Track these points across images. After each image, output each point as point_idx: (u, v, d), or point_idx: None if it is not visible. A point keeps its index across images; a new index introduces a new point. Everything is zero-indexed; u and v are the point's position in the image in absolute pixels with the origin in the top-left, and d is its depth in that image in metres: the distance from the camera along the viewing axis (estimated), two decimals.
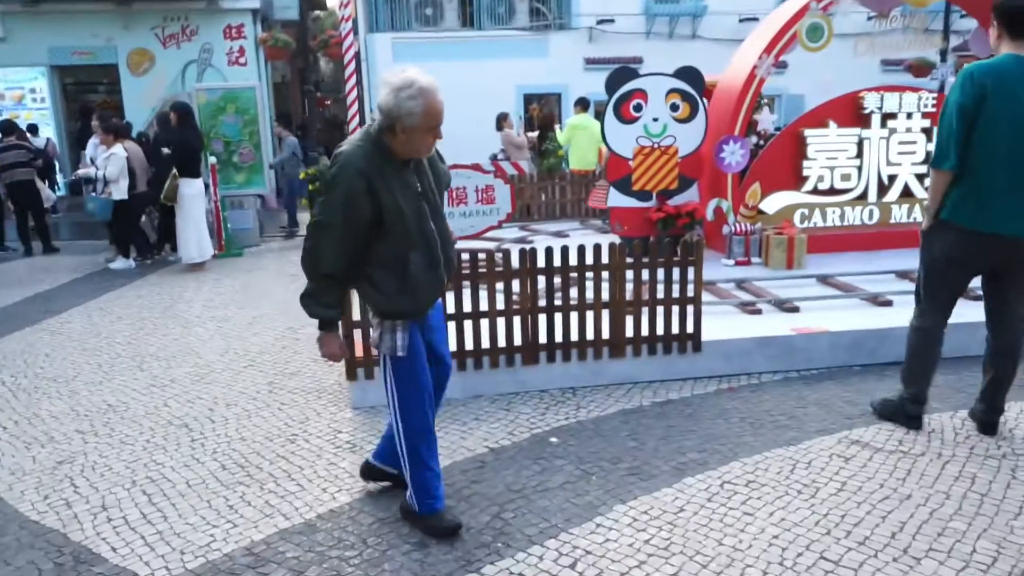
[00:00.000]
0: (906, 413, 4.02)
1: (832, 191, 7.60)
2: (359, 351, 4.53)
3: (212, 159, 10.38)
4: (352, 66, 6.90)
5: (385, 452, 3.44)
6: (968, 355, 4.62)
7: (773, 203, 7.49)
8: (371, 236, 2.84)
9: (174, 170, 8.95)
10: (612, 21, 17.62)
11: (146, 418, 4.59)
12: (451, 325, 4.56)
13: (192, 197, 9.03)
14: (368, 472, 3.56)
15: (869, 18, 8.25)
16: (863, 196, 7.62)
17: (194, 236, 9.12)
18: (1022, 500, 3.28)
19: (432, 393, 3.14)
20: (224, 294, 7.90)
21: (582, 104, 11.66)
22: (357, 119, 6.91)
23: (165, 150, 9.43)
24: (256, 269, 9.17)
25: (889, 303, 5.48)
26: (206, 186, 9.71)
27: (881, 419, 4.13)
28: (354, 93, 6.86)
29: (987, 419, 3.94)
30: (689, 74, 7.05)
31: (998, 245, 3.64)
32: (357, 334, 4.51)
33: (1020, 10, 3.54)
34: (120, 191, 9.05)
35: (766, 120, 12.66)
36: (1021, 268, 3.70)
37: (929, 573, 2.80)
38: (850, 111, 7.54)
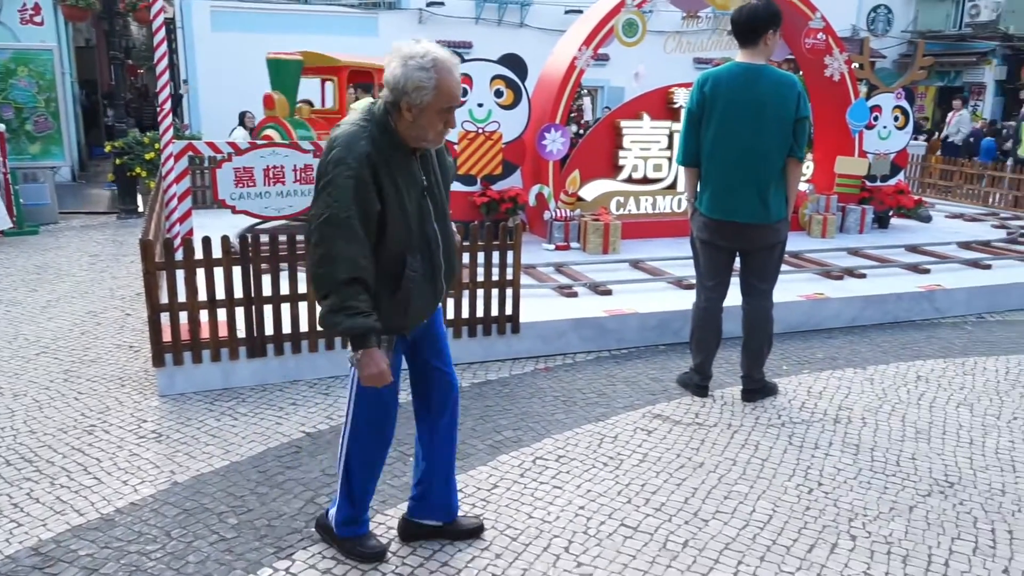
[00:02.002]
0: (694, 383, 4.42)
1: (645, 180, 8.04)
2: (166, 336, 4.30)
3: (0, 126, 9.40)
4: (162, 33, 6.46)
5: (422, 504, 2.92)
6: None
7: (591, 191, 7.82)
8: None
9: None
10: (442, 4, 17.60)
11: None
12: (267, 308, 4.46)
13: None
14: (407, 531, 2.97)
15: (682, 18, 8.72)
16: (672, 186, 8.11)
17: None
18: (795, 463, 3.66)
19: (396, 417, 2.76)
20: (14, 275, 7.21)
21: (365, 87, 10.76)
22: (168, 89, 6.50)
23: None
24: (53, 248, 8.43)
25: (692, 286, 5.89)
26: None
27: (682, 388, 4.49)
28: (165, 62, 6.44)
29: (745, 387, 4.39)
30: (513, 61, 7.21)
31: (734, 230, 4.12)
32: (165, 318, 4.28)
33: (737, 23, 4.07)
34: None
35: (588, 110, 13.12)
36: (757, 249, 4.17)
37: (715, 533, 3.06)
38: (662, 105, 7.99)
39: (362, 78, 9.19)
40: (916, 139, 13.73)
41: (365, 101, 2.51)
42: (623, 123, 7.82)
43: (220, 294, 4.34)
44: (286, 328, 4.54)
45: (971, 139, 14.47)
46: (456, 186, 7.18)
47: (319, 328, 2.54)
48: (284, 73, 8.07)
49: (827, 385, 4.65)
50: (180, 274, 4.27)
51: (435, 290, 2.59)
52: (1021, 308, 6.40)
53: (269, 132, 7.73)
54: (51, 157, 10.34)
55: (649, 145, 7.95)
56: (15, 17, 13.75)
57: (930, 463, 3.68)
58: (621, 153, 7.86)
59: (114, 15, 12.26)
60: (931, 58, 9.59)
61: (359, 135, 2.36)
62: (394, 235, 2.43)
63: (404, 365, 2.76)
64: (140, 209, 10.50)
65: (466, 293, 4.90)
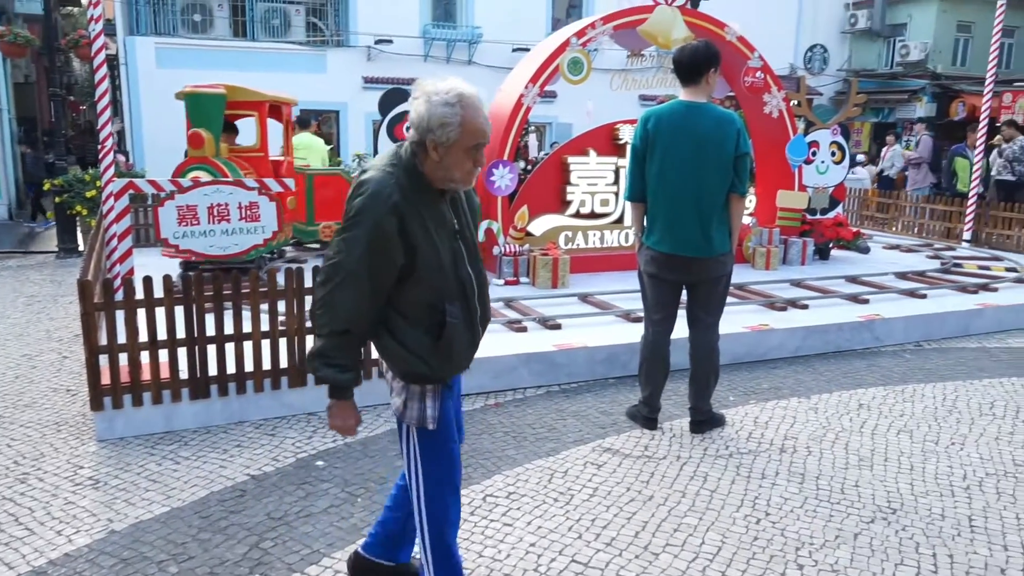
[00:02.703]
0: (643, 416, 4.45)
1: (593, 215, 8.14)
2: (105, 378, 4.18)
3: None
4: (103, 70, 6.38)
5: (381, 541, 2.81)
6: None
7: (540, 225, 7.89)
8: (398, 281, 2.32)
9: None
10: (390, 42, 17.72)
11: None
12: (210, 348, 4.37)
13: None
14: (358, 567, 2.87)
15: (627, 56, 8.92)
16: (620, 220, 8.23)
17: None
18: (743, 493, 3.69)
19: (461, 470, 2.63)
20: None
21: (300, 123, 10.55)
22: (110, 127, 6.40)
23: None
24: None
25: (641, 319, 5.96)
26: None
27: (631, 421, 4.51)
28: (106, 99, 6.35)
29: (693, 419, 4.44)
30: None
31: (680, 263, 4.19)
32: (104, 359, 4.16)
33: (679, 63, 4.19)
34: None
35: (534, 147, 13.29)
36: (703, 282, 4.25)
37: (665, 566, 3.06)
38: (608, 141, 8.13)
39: (274, 114, 8.47)
40: (853, 172, 14.19)
41: (389, 149, 2.42)
42: (570, 159, 7.93)
43: (162, 334, 4.25)
44: (231, 368, 4.45)
45: (905, 172, 15.00)
46: None
47: (307, 361, 2.48)
48: (204, 108, 7.17)
49: (773, 415, 4.72)
50: (120, 314, 4.17)
51: (474, 336, 2.47)
52: (956, 336, 6.60)
53: (196, 174, 6.70)
54: None
55: (596, 180, 8.06)
56: None
57: (873, 490, 3.75)
58: (569, 188, 7.96)
59: (55, 51, 12.05)
60: (864, 95, 9.95)
61: (386, 182, 2.25)
62: (429, 282, 2.32)
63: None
64: (80, 248, 10.25)
65: None
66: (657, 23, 7.71)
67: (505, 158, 7.43)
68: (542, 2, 19.21)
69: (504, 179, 7.33)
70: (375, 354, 4.74)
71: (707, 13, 8.39)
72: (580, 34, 7.59)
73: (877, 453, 4.17)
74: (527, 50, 9.84)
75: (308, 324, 4.59)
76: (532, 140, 13.68)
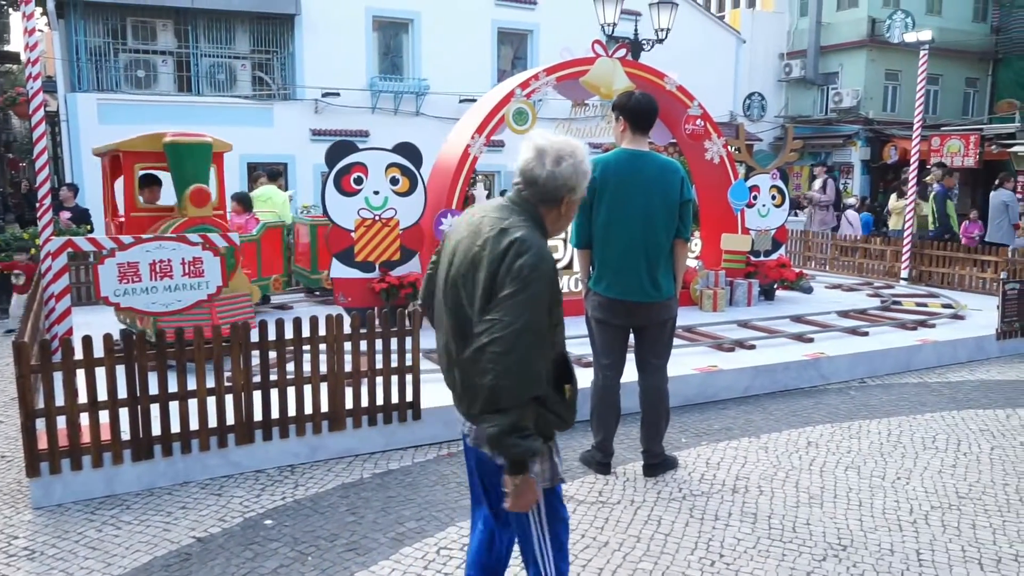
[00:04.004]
0: (596, 461, 4.45)
1: None
2: (42, 443, 4.03)
3: None
4: (42, 127, 6.28)
5: None
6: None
7: None
8: None
9: None
10: (338, 95, 17.82)
11: None
12: (154, 408, 4.26)
13: None
14: None
15: (572, 106, 9.11)
16: (568, 266, 8.31)
17: None
18: (697, 536, 3.70)
19: None
20: None
21: (271, 175, 10.55)
22: (49, 184, 6.28)
23: None
24: None
25: (590, 364, 5.98)
26: None
27: (585, 466, 4.49)
28: (45, 156, 6.24)
29: (646, 462, 4.45)
30: (408, 149, 7.33)
31: (627, 308, 4.24)
32: (40, 423, 4.02)
33: (644, 111, 4.25)
34: None
35: (482, 196, 13.40)
36: (650, 326, 4.31)
37: None
38: None
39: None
40: (845, 217, 14.67)
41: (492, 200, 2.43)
42: None
43: (103, 395, 4.13)
44: (175, 427, 4.34)
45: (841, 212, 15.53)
46: (354, 273, 7.16)
47: (488, 446, 2.23)
48: (193, 160, 6.28)
49: (724, 455, 4.76)
50: (59, 376, 4.05)
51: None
52: (898, 372, 6.77)
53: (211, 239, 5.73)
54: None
55: None
56: None
57: (824, 527, 3.79)
58: None
59: None
60: (800, 141, 10.31)
61: (540, 237, 2.28)
62: (559, 335, 2.38)
63: None
64: None
65: (365, 381, 4.82)
66: (599, 74, 7.91)
67: (454, 207, 7.47)
68: (487, 54, 19.57)
69: None
70: (349, 404, 4.68)
71: (647, 64, 8.65)
72: (524, 85, 7.74)
73: (827, 490, 4.23)
74: (473, 101, 10.00)
75: (256, 379, 4.52)
76: (480, 189, 13.81)
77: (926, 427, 5.28)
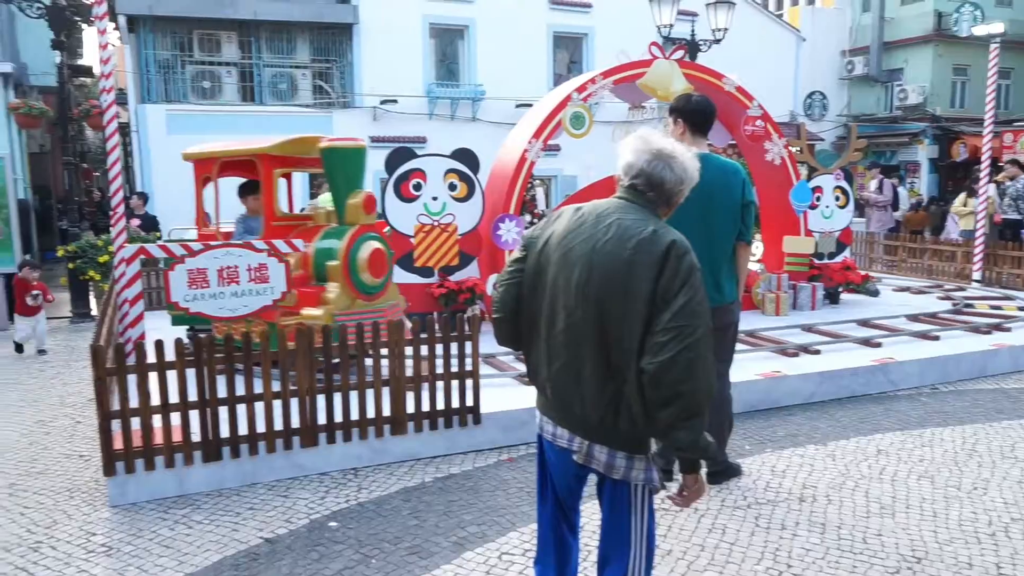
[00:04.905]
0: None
1: None
2: (118, 443, 4.17)
3: None
4: (116, 138, 6.51)
5: None
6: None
7: None
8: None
9: None
10: (395, 102, 18.04)
11: None
12: (222, 410, 4.37)
13: None
14: None
15: (629, 108, 9.06)
16: None
17: None
18: (763, 545, 3.63)
19: None
20: None
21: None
22: (122, 194, 6.50)
23: None
24: (1, 355, 8.19)
25: None
26: None
27: None
28: (118, 167, 6.46)
29: (709, 470, 4.27)
30: (466, 155, 7.38)
31: None
32: (116, 424, 4.16)
33: (704, 111, 4.18)
34: None
35: (541, 200, 13.41)
36: (712, 330, 4.18)
37: None
38: (612, 191, 8.18)
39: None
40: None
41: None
42: None
43: (174, 397, 4.25)
44: (242, 429, 4.44)
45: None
46: (413, 278, 7.22)
47: (683, 451, 2.29)
48: (351, 165, 5.91)
49: (790, 463, 4.66)
50: (133, 379, 4.18)
51: None
52: (972, 377, 6.54)
53: (376, 245, 5.79)
54: (1, 263, 10.16)
55: None
56: None
57: (896, 539, 3.68)
58: None
59: (68, 121, 12.32)
60: (864, 140, 10.05)
61: None
62: None
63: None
64: (93, 312, 10.32)
65: (426, 386, 4.86)
66: (656, 76, 7.84)
67: (511, 212, 7.49)
68: (543, 59, 19.60)
69: (510, 233, 7.38)
70: (410, 408, 4.74)
71: (705, 65, 8.54)
72: (581, 89, 7.72)
73: (899, 500, 4.10)
74: (529, 105, 10.02)
75: (320, 384, 4.59)
76: (539, 193, 13.82)
77: (1003, 435, 5.09)
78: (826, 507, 4.03)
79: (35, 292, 8.20)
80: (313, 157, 6.12)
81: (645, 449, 2.40)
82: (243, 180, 6.62)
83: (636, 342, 2.19)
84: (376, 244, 5.81)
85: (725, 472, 4.38)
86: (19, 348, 8.28)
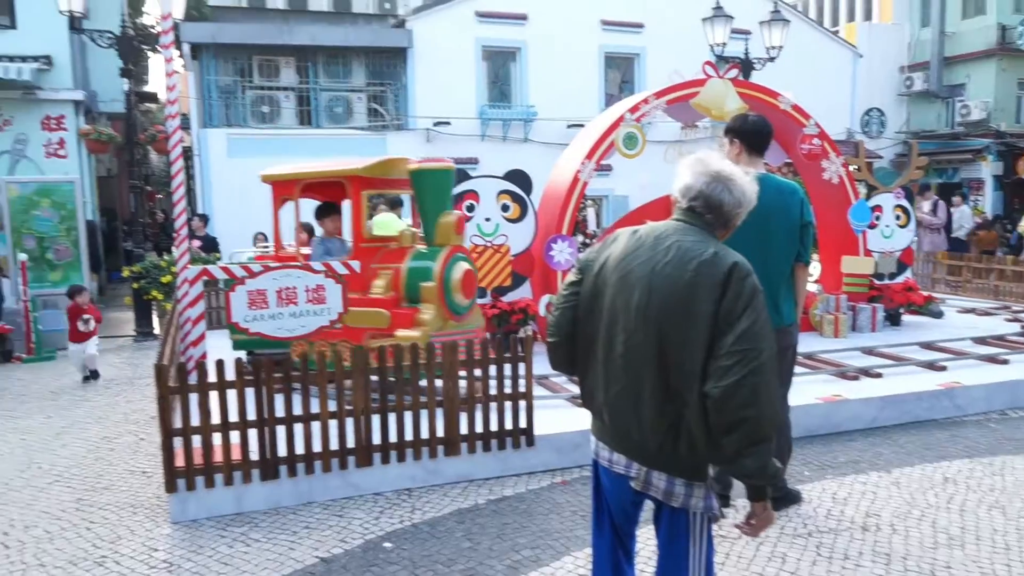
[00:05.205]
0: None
1: None
2: (179, 460, 4.26)
3: (22, 256, 9.66)
4: (180, 162, 6.72)
5: None
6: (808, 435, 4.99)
7: None
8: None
9: None
10: (448, 123, 18.25)
11: None
12: (280, 429, 4.44)
13: None
14: None
15: (682, 127, 9.02)
16: None
17: None
18: (826, 575, 3.52)
19: None
20: (30, 402, 7.23)
21: (391, 203, 10.40)
22: (185, 216, 6.69)
23: None
24: (69, 373, 8.47)
25: None
26: None
27: None
28: (182, 190, 6.66)
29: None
30: (518, 176, 7.42)
31: None
32: (178, 442, 4.26)
33: (763, 132, 4.15)
34: None
35: (592, 220, 13.40)
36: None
37: None
38: (666, 212, 8.10)
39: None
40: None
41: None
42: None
43: (233, 416, 4.34)
44: (299, 449, 4.50)
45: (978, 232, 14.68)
46: None
47: (750, 479, 2.23)
48: (440, 186, 5.94)
49: (852, 491, 4.53)
50: (194, 397, 4.28)
51: None
52: None
53: (468, 268, 5.86)
54: (70, 284, 10.55)
55: None
56: (40, 152, 14.34)
57: (967, 571, 3.54)
58: None
59: (134, 146, 12.75)
60: (925, 158, 9.81)
61: None
62: None
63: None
64: (156, 331, 10.62)
65: (479, 407, 4.87)
66: (710, 96, 7.79)
67: (564, 232, 7.49)
68: (594, 79, 19.61)
69: (563, 253, 7.38)
70: (464, 429, 4.76)
71: (759, 83, 8.46)
72: (634, 109, 7.71)
73: (968, 531, 3.96)
74: (581, 126, 10.03)
75: (375, 403, 4.64)
76: (591, 214, 13.81)
77: None
78: (891, 537, 3.90)
79: (86, 316, 8.18)
80: (400, 178, 6.21)
81: (704, 476, 2.36)
82: (319, 203, 6.69)
83: (697, 365, 2.16)
84: (467, 265, 5.86)
85: (784, 499, 4.27)
86: (93, 376, 8.16)
